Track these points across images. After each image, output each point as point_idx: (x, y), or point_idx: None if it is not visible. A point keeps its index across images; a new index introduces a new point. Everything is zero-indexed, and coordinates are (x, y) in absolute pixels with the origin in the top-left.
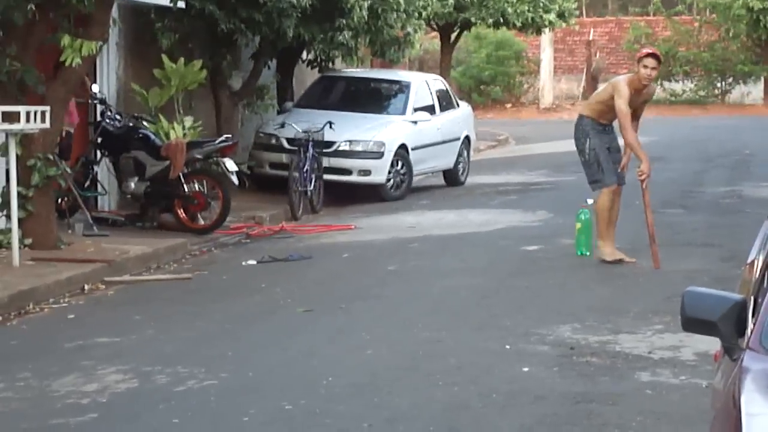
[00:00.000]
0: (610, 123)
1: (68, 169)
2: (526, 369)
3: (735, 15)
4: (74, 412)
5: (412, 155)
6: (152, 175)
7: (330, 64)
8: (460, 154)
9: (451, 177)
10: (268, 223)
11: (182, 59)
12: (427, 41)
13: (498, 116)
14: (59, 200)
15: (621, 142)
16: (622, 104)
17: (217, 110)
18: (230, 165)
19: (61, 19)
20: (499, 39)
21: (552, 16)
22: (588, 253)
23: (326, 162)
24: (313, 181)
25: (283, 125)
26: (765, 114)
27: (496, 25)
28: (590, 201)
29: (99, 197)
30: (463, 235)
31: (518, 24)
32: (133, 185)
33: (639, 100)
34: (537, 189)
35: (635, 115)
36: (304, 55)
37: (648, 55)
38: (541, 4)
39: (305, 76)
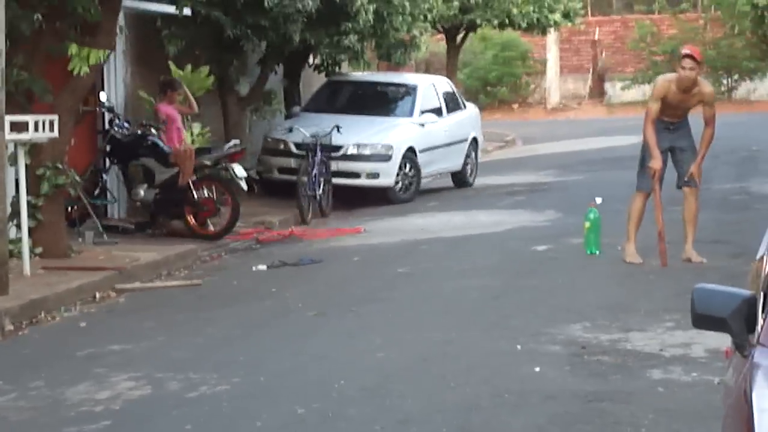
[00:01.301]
0: (674, 120)
1: (78, 178)
2: (537, 369)
3: (740, 12)
4: (87, 419)
5: (420, 157)
6: (161, 182)
7: (336, 68)
8: (467, 156)
9: (460, 178)
10: (278, 227)
11: (189, 66)
12: (433, 43)
13: (505, 117)
14: (69, 209)
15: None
16: (650, 101)
17: (224, 116)
18: (239, 171)
19: (68, 28)
20: (505, 40)
21: (557, 16)
22: (597, 252)
23: (334, 166)
24: (322, 185)
25: (290, 130)
26: None
27: (502, 26)
28: (599, 200)
29: (108, 205)
30: (473, 237)
31: (523, 24)
32: (142, 192)
33: (690, 100)
34: (545, 189)
35: (682, 113)
36: (311, 59)
37: (685, 56)
38: (546, 5)
39: (312, 81)
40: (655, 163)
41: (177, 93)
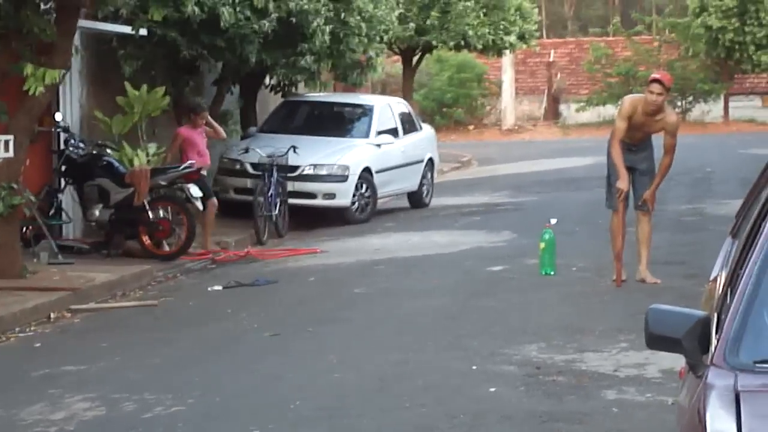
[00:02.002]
0: (636, 142)
1: (32, 198)
2: (492, 389)
3: (694, 34)
4: None
5: (377, 178)
6: (117, 202)
7: (293, 89)
8: (424, 176)
9: (416, 199)
10: (234, 248)
11: (145, 86)
12: (389, 65)
13: (461, 138)
14: (24, 229)
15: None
16: (618, 121)
17: None
18: (194, 191)
19: (24, 48)
20: (461, 61)
21: (512, 38)
22: (552, 273)
23: (291, 186)
24: (278, 205)
25: (247, 150)
26: (725, 132)
27: (458, 47)
28: (553, 221)
29: (64, 225)
30: (429, 257)
31: (479, 46)
32: (97, 213)
33: (654, 125)
34: (501, 210)
35: (644, 136)
36: (267, 80)
37: (654, 80)
38: (502, 27)
39: (268, 101)
40: (623, 183)
41: (200, 116)
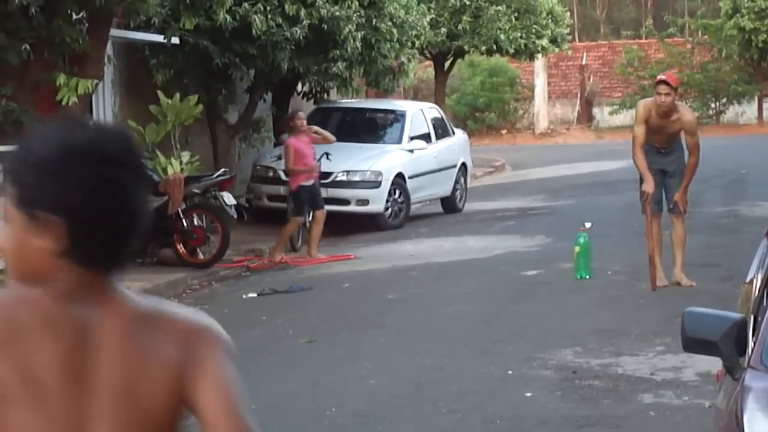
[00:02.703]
0: (664, 145)
1: None
2: (529, 394)
3: (727, 35)
4: None
5: (410, 183)
6: (151, 210)
7: (325, 96)
8: (457, 181)
9: (449, 204)
10: (268, 255)
11: (178, 95)
12: (421, 70)
13: (494, 143)
14: None
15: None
16: (635, 126)
17: (213, 144)
18: (228, 198)
19: (56, 58)
20: (493, 66)
21: (545, 42)
22: (587, 276)
23: (324, 192)
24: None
25: (280, 157)
26: (759, 133)
27: (490, 52)
28: (588, 225)
29: None
30: (463, 262)
31: (511, 50)
32: None
33: (672, 126)
34: (535, 214)
35: (670, 138)
36: (299, 87)
37: (659, 81)
38: (534, 30)
39: (301, 108)
40: (648, 186)
41: (296, 119)
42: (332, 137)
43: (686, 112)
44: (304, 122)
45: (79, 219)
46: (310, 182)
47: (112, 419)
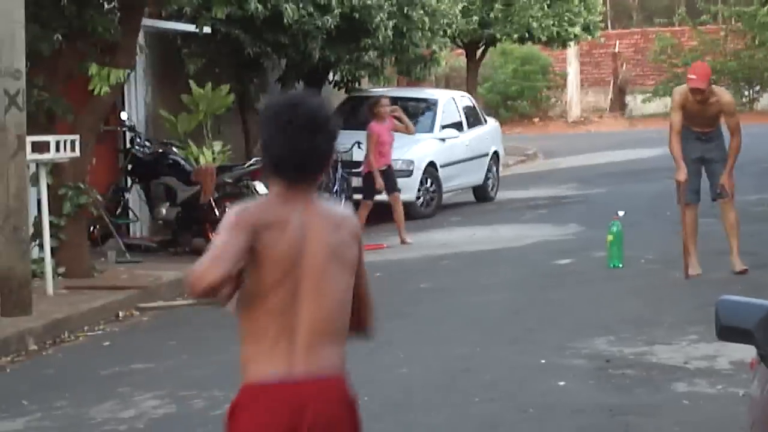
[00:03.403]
0: (705, 130)
1: (99, 197)
2: (561, 383)
3: (761, 23)
4: None
5: (441, 172)
6: (183, 200)
7: (356, 85)
8: (489, 170)
9: (481, 193)
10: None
11: (209, 84)
12: (453, 58)
13: (526, 131)
14: (91, 228)
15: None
16: (672, 113)
17: (245, 134)
18: (261, 188)
19: (88, 48)
20: (525, 54)
21: (577, 30)
22: (620, 265)
23: (355, 182)
24: (343, 201)
25: None
26: None
27: (522, 40)
28: (621, 213)
29: (131, 224)
30: (495, 251)
31: (543, 38)
32: (164, 211)
33: (710, 109)
34: (567, 202)
35: (709, 123)
36: (331, 76)
37: (693, 90)
38: (566, 18)
39: (332, 97)
40: (680, 174)
41: (378, 105)
42: (413, 128)
43: (723, 94)
44: (387, 108)
45: (291, 151)
46: (385, 167)
47: (328, 259)
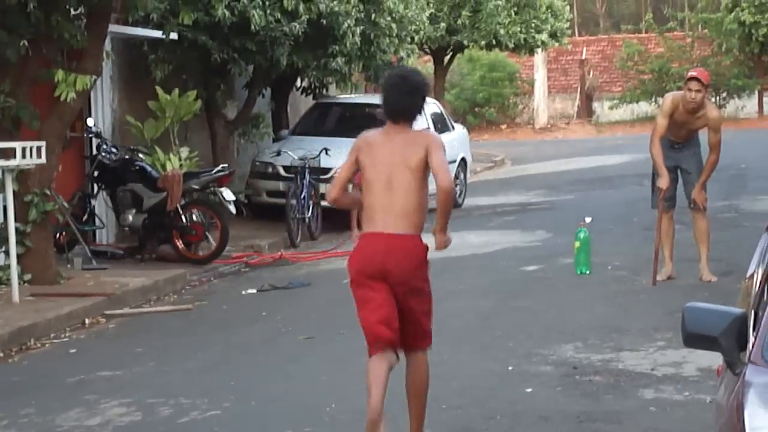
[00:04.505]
0: (681, 140)
1: (65, 204)
2: (529, 390)
3: (727, 29)
4: None
5: None
6: (150, 207)
7: (324, 91)
8: (456, 176)
9: None
10: (267, 251)
11: (176, 90)
12: (421, 65)
13: (493, 137)
14: (57, 235)
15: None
16: (659, 118)
17: (212, 140)
18: (227, 194)
19: (54, 54)
20: (492, 60)
21: (544, 36)
22: (588, 272)
23: (323, 188)
24: (311, 207)
25: (279, 153)
26: (759, 127)
27: (489, 46)
28: (588, 219)
29: (97, 231)
30: (463, 257)
31: (511, 45)
32: (130, 218)
33: (696, 122)
34: (535, 209)
35: (688, 134)
36: (298, 82)
37: (691, 78)
38: (533, 25)
39: (299, 104)
40: (663, 182)
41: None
42: None
43: (712, 109)
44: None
45: (393, 104)
46: None
47: (400, 164)
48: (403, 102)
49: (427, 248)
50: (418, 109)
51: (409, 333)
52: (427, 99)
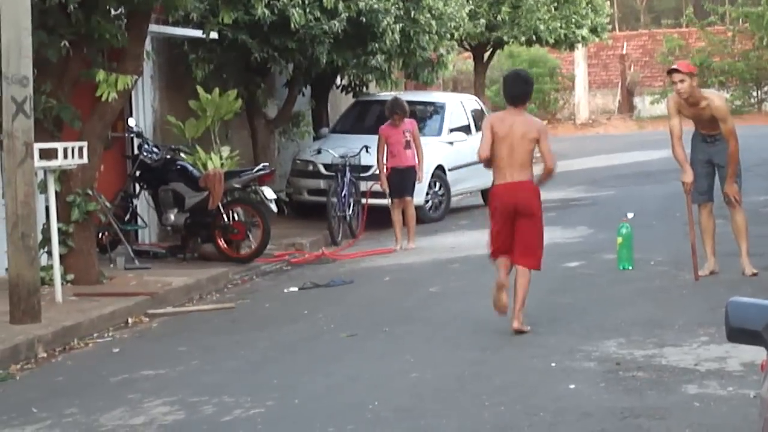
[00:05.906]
0: (711, 133)
1: (108, 204)
2: (572, 386)
3: None
4: None
5: (450, 176)
6: (191, 206)
7: (364, 89)
8: None
9: None
10: (309, 249)
11: (217, 89)
12: (461, 62)
13: None
14: (100, 235)
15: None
16: (669, 120)
17: (253, 139)
18: (269, 193)
19: (95, 54)
20: (533, 56)
21: (585, 32)
22: (630, 267)
23: (364, 186)
24: (352, 205)
25: (319, 151)
26: None
27: (529, 42)
28: (630, 215)
29: (139, 230)
30: None
31: (551, 41)
32: (172, 217)
33: (703, 112)
34: (576, 205)
35: (713, 125)
36: (338, 80)
37: (671, 71)
38: (574, 20)
39: (340, 102)
40: (686, 177)
41: (396, 114)
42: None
43: (715, 98)
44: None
45: (514, 91)
46: (402, 167)
47: (520, 137)
48: (520, 90)
49: (537, 187)
50: (529, 95)
51: (520, 249)
52: (468, 96)
